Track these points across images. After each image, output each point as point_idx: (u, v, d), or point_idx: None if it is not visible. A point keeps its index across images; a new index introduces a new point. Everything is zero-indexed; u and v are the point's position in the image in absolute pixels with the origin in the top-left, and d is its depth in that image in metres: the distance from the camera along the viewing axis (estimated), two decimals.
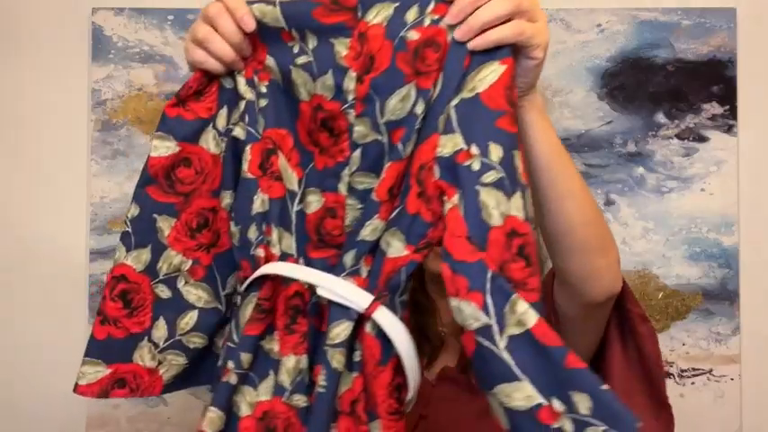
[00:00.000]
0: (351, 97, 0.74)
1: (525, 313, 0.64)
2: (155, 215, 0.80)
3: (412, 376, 0.72)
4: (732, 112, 1.41)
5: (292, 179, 0.77)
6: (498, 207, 0.67)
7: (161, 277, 0.81)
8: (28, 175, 1.43)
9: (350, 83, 0.74)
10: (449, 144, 0.69)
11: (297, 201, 0.77)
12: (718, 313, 1.40)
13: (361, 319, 0.72)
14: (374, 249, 0.73)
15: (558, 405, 0.63)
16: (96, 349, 0.80)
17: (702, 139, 1.42)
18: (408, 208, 0.71)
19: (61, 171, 1.43)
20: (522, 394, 0.64)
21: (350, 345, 0.72)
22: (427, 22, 0.71)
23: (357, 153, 0.74)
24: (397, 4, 0.72)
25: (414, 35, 0.71)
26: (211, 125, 0.79)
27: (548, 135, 0.78)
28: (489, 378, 0.66)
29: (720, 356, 1.39)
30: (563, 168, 0.79)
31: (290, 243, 0.76)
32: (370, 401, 0.71)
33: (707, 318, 1.40)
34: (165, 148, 0.79)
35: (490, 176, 0.67)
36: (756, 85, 1.43)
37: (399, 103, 0.72)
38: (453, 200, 0.68)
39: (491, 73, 0.69)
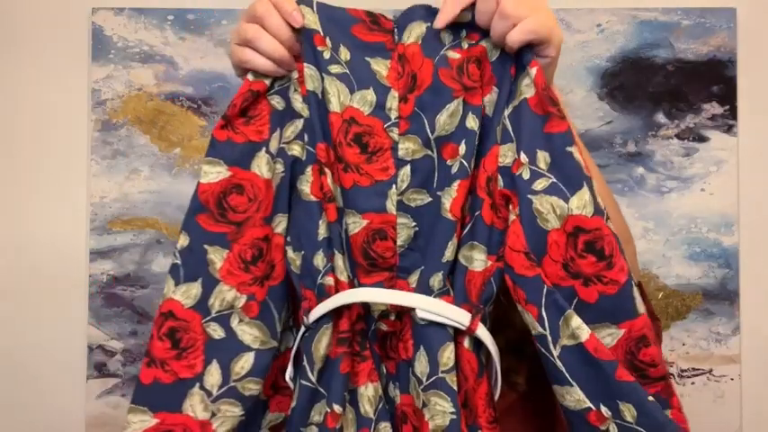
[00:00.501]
0: (394, 115, 0.74)
1: (579, 328, 0.68)
2: (205, 246, 0.73)
3: (498, 382, 0.74)
4: (732, 112, 1.41)
5: (339, 198, 0.75)
6: (554, 211, 0.69)
7: (213, 315, 0.73)
8: (28, 175, 1.43)
9: (392, 101, 0.74)
10: (509, 153, 0.72)
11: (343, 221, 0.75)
12: (718, 313, 1.40)
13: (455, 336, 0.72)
14: (452, 267, 0.73)
15: (605, 410, 0.68)
16: (142, 395, 0.71)
17: (702, 139, 1.42)
18: (485, 220, 0.72)
19: (61, 171, 1.43)
20: (573, 397, 0.69)
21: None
22: (465, 45, 0.74)
23: (407, 170, 0.73)
24: (428, 24, 0.74)
25: (455, 54, 0.73)
26: (264, 149, 0.74)
27: None
28: (549, 376, 0.71)
29: (720, 356, 1.39)
30: None
31: (343, 268, 0.74)
32: (471, 414, 0.71)
33: (707, 318, 1.40)
34: (216, 173, 0.73)
35: (541, 184, 0.70)
36: (756, 85, 1.43)
37: (449, 118, 0.73)
38: (516, 211, 0.71)
39: (528, 77, 0.72)
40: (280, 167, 0.74)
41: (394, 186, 0.73)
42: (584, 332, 0.68)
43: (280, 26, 0.72)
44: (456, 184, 0.72)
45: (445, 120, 0.73)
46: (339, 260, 0.73)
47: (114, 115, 1.43)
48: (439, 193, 0.73)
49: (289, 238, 0.74)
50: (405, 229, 0.73)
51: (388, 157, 0.73)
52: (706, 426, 1.39)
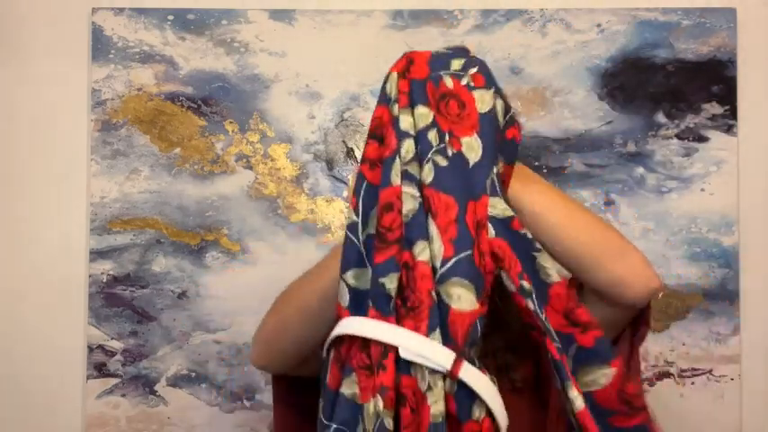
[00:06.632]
0: (395, 93, 0.79)
1: (594, 382, 0.79)
2: None
3: (504, 426, 0.76)
4: (732, 112, 1.41)
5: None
6: (555, 266, 0.79)
7: None
8: (28, 174, 1.43)
9: (392, 85, 0.80)
10: (498, 206, 0.77)
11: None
12: (718, 313, 1.40)
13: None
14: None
15: None
16: None
17: (702, 139, 1.41)
18: (475, 260, 0.75)
19: (61, 171, 1.43)
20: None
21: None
22: (464, 81, 0.80)
23: (410, 143, 0.78)
24: (449, 51, 0.82)
25: (449, 82, 0.79)
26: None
27: (526, 200, 0.85)
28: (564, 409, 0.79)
29: (720, 356, 1.39)
30: (547, 219, 0.85)
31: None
32: None
33: (707, 318, 1.40)
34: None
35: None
36: (756, 85, 1.43)
37: (420, 116, 0.79)
38: (511, 270, 0.77)
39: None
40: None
41: (397, 158, 0.77)
42: (597, 385, 0.78)
43: None
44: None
45: (418, 115, 0.79)
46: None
47: (114, 115, 1.43)
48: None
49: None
50: (410, 200, 0.76)
51: (392, 135, 0.78)
52: (706, 426, 1.39)
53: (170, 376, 1.41)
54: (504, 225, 0.76)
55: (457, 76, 0.79)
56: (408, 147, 0.77)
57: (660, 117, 1.42)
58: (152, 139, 1.43)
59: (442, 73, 0.79)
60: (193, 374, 1.41)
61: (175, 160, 1.42)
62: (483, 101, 0.79)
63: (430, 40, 1.43)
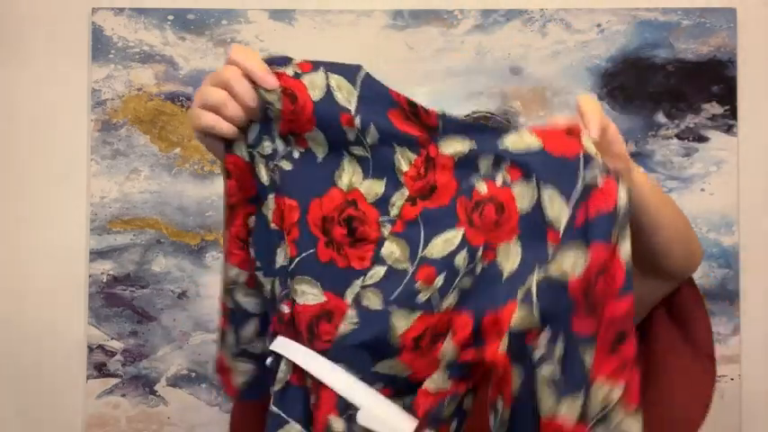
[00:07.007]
0: (394, 213, 0.71)
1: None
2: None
3: None
4: (732, 112, 1.41)
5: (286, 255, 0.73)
6: (548, 402, 0.65)
7: (224, 290, 0.79)
8: (28, 174, 1.43)
9: (399, 199, 0.71)
10: (526, 320, 0.66)
11: (284, 281, 0.73)
12: (719, 313, 1.40)
13: None
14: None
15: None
16: None
17: (702, 139, 1.42)
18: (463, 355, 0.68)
19: (61, 171, 1.43)
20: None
21: None
22: (499, 181, 0.68)
23: (381, 271, 0.70)
24: (474, 147, 0.69)
25: (482, 188, 0.69)
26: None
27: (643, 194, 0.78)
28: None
29: (720, 356, 1.39)
30: (656, 199, 0.82)
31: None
32: None
33: None
34: None
35: (546, 369, 0.66)
36: (756, 85, 1.43)
37: (443, 243, 0.69)
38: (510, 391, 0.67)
39: (580, 259, 0.65)
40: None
41: (361, 278, 0.70)
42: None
43: (246, 92, 0.70)
44: (417, 317, 0.68)
45: (438, 244, 0.69)
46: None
47: (114, 115, 1.43)
48: (390, 309, 0.69)
49: (258, 263, 0.74)
50: (347, 323, 0.69)
51: (369, 250, 0.70)
52: (706, 426, 1.38)
53: (170, 376, 1.41)
54: (518, 339, 0.65)
55: (490, 177, 0.69)
56: (377, 276, 0.70)
57: (660, 117, 1.42)
58: (152, 139, 1.43)
59: (473, 181, 0.69)
60: (193, 374, 1.41)
61: (175, 160, 1.42)
62: (524, 196, 0.67)
63: (430, 39, 1.43)
